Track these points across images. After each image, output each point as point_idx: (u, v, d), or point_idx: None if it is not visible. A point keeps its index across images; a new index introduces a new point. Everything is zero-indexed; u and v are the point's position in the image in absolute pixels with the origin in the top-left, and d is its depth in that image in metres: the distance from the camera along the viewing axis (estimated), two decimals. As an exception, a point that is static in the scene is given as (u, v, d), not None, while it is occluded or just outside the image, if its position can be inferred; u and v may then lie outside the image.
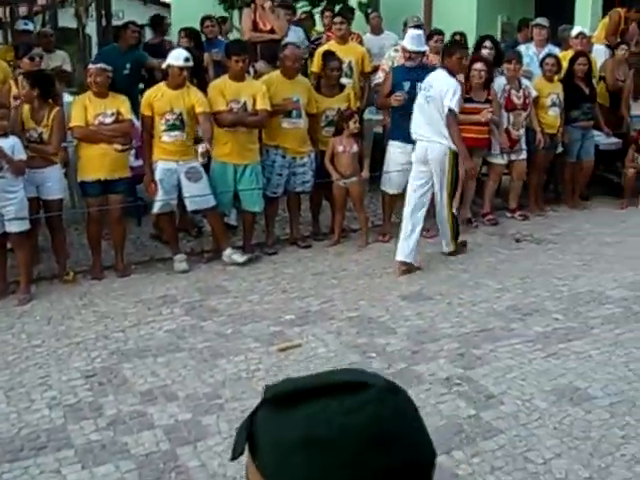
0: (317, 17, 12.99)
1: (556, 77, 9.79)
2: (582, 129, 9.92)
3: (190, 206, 7.87)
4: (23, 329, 6.54)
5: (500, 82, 9.32)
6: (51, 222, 7.68)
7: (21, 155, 7.02)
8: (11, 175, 6.95)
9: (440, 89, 7.53)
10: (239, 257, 7.86)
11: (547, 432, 4.77)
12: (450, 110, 7.47)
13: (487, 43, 9.72)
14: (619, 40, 11.20)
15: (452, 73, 7.76)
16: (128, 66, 9.39)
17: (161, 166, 7.67)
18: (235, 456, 1.11)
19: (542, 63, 9.81)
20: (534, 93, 9.46)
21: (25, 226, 7.13)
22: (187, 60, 7.56)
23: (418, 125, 7.73)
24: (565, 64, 9.95)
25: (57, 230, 7.69)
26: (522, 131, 9.44)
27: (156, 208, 7.84)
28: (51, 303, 7.10)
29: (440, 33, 10.11)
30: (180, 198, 7.86)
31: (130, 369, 5.73)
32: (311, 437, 1.04)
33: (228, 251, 7.89)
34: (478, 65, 8.84)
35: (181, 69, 7.54)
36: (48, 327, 6.56)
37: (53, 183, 7.48)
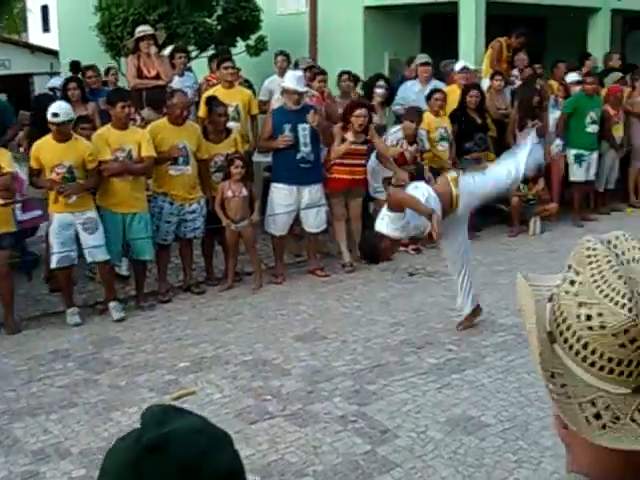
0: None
1: (442, 112, 10.03)
2: (475, 160, 10.14)
3: (88, 257, 7.74)
4: None
5: (396, 135, 9.46)
6: None
7: None
8: None
9: None
10: (115, 313, 7.71)
11: (442, 462, 4.86)
12: None
13: (381, 82, 9.90)
14: (497, 70, 11.52)
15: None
16: None
17: (57, 218, 7.56)
18: None
19: (429, 98, 10.02)
20: (427, 146, 9.70)
21: None
22: (55, 116, 7.41)
23: None
24: (452, 98, 10.20)
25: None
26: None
27: (54, 262, 7.66)
28: (-61, 364, 6.90)
29: (323, 73, 10.28)
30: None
31: (22, 428, 5.60)
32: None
33: (111, 304, 7.79)
34: (361, 111, 8.84)
35: (57, 125, 7.44)
36: (-64, 390, 6.37)
37: None
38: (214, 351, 6.87)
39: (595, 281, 1.19)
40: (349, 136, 8.84)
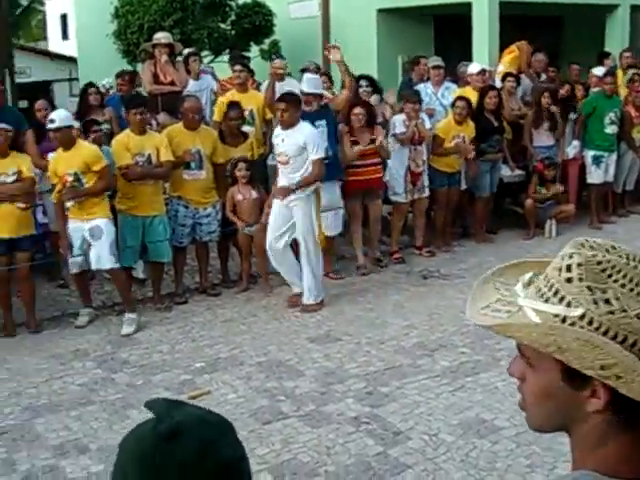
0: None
1: (465, 120, 9.91)
2: (490, 162, 10.21)
3: (93, 265, 7.73)
4: None
5: (400, 118, 9.57)
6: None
7: None
8: None
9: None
10: (125, 328, 7.66)
11: (454, 465, 4.88)
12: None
13: (362, 82, 9.97)
14: (508, 72, 11.38)
15: None
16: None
17: (70, 225, 7.67)
18: None
19: (453, 104, 9.99)
20: (428, 125, 9.71)
21: None
22: (51, 122, 7.46)
23: None
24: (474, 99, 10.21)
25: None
26: (423, 167, 9.68)
27: (73, 268, 7.79)
28: (-37, 363, 7.05)
29: (327, 75, 10.55)
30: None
31: (43, 424, 5.74)
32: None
33: (125, 317, 7.79)
34: (357, 109, 8.99)
35: (52, 131, 7.51)
36: (-40, 387, 6.52)
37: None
38: (229, 352, 6.97)
39: (631, 289, 1.25)
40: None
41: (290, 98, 7.89)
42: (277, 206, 7.89)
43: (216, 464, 1.29)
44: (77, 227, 7.61)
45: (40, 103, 9.11)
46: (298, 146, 7.66)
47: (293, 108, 7.74)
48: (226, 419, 1.39)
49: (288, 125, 7.73)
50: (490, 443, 5.15)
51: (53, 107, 8.67)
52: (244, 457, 1.36)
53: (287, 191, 7.72)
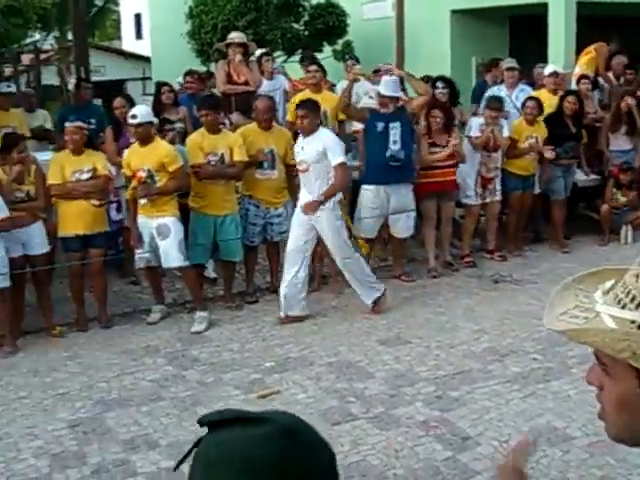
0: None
1: (536, 121, 9.84)
2: (563, 166, 10.05)
3: (163, 263, 7.83)
4: (10, 381, 6.64)
5: (477, 122, 9.49)
6: (37, 277, 7.75)
7: (5, 213, 7.14)
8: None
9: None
10: (196, 325, 7.74)
11: (524, 472, 4.83)
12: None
13: (439, 84, 9.90)
14: (583, 74, 11.18)
15: None
16: (94, 121, 9.52)
17: (139, 221, 7.79)
18: (177, 466, 1.39)
19: (523, 105, 9.91)
20: (506, 133, 9.59)
21: (5, 283, 7.20)
22: (133, 117, 7.60)
23: None
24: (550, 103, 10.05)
25: (43, 285, 7.79)
26: (495, 172, 9.59)
27: (139, 263, 7.95)
28: (37, 356, 7.19)
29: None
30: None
31: (113, 418, 5.82)
32: (205, 456, 1.23)
33: (197, 315, 7.86)
34: (435, 112, 9.00)
35: (134, 126, 7.64)
36: (35, 379, 6.66)
37: (38, 239, 7.58)
38: (299, 352, 6.98)
39: None
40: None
41: (309, 105, 7.77)
42: (298, 216, 7.75)
43: (330, 460, 1.27)
44: (145, 223, 7.72)
45: (119, 100, 9.24)
46: (318, 152, 7.50)
47: (312, 115, 7.63)
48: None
49: (308, 132, 7.60)
50: (561, 452, 5.05)
51: (132, 104, 8.77)
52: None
53: (315, 205, 7.54)
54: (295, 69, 12.60)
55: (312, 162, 7.53)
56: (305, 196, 7.67)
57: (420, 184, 8.95)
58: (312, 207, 7.54)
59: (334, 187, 7.56)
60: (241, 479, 1.18)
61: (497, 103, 9.60)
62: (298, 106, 7.91)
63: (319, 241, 8.03)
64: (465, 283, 8.87)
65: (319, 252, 8.59)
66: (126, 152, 7.92)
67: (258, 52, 11.02)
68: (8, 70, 20.39)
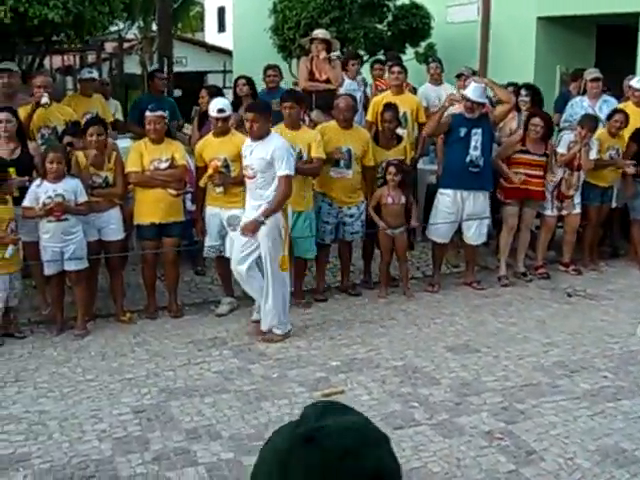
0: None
1: (620, 133, 9.61)
2: (641, 181, 9.80)
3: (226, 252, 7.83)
4: (79, 363, 6.76)
5: (567, 138, 9.29)
6: (111, 263, 7.88)
7: (83, 197, 7.28)
8: (73, 217, 7.22)
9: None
10: (220, 307, 7.95)
11: (589, 493, 4.72)
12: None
13: (522, 91, 9.74)
14: None
15: None
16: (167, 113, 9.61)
17: (207, 211, 7.85)
18: None
19: (609, 117, 9.66)
20: (593, 155, 9.30)
21: (83, 265, 7.36)
22: (220, 111, 7.64)
23: None
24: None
25: (116, 270, 7.91)
26: (576, 192, 9.35)
27: (208, 252, 8.02)
28: (106, 340, 7.31)
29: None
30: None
31: (177, 407, 5.88)
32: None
33: (223, 299, 7.96)
34: (536, 120, 8.87)
35: (217, 119, 7.67)
36: (102, 363, 6.77)
37: (115, 225, 7.69)
38: (366, 353, 6.95)
39: None
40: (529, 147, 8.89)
41: (259, 108, 7.25)
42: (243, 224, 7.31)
43: (354, 473, 1.27)
44: (215, 213, 7.78)
45: (205, 91, 9.36)
46: (265, 160, 7.00)
47: (263, 119, 7.07)
48: (384, 434, 1.36)
49: (257, 137, 7.08)
50: (629, 475, 4.92)
51: (219, 96, 8.74)
52: (393, 472, 1.32)
53: (254, 226, 7.05)
54: (364, 68, 12.53)
55: (259, 170, 7.05)
56: (249, 204, 7.24)
57: (507, 189, 8.89)
58: (251, 228, 7.08)
59: (276, 202, 7.03)
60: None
61: (592, 122, 9.23)
62: (246, 109, 7.44)
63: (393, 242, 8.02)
64: (537, 295, 8.72)
65: (387, 255, 8.54)
66: (199, 143, 7.99)
67: (336, 53, 10.98)
68: (91, 57, 20.73)
